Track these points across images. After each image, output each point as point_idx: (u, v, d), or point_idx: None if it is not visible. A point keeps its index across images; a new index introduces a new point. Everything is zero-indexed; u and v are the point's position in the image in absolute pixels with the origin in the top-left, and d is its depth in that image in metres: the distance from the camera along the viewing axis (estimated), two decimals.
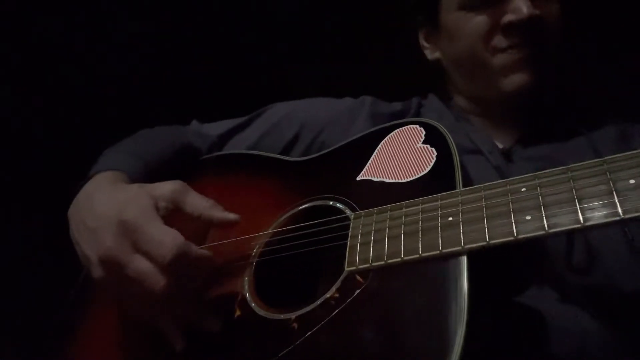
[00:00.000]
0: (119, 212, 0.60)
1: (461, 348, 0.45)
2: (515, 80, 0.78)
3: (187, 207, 0.63)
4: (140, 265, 0.58)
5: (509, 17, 0.76)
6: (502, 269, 0.56)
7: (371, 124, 0.83)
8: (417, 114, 0.90)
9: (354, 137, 0.74)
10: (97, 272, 0.61)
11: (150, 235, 0.58)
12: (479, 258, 0.50)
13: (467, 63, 0.83)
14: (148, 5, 1.32)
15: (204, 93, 1.35)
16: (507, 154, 0.80)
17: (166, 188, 0.63)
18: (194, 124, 0.95)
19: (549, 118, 0.83)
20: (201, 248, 0.62)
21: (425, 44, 0.93)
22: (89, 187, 0.72)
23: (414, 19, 0.93)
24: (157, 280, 0.57)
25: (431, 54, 0.92)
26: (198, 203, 0.63)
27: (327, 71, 1.34)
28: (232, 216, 0.63)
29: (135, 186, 0.66)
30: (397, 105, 0.92)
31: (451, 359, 0.45)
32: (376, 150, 0.69)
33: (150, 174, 0.75)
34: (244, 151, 0.88)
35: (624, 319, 0.64)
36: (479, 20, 0.78)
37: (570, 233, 0.65)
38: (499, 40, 0.78)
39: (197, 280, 0.61)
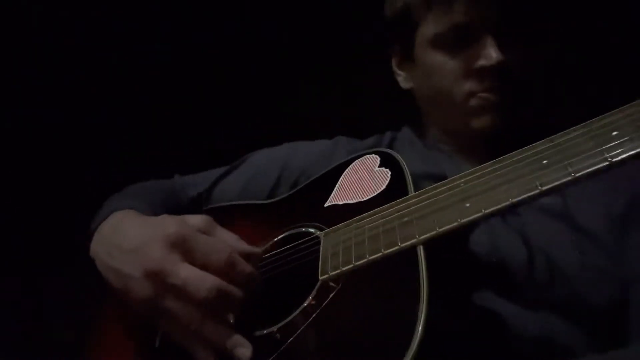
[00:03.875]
0: (161, 228, 0.63)
1: (421, 334, 0.49)
2: (484, 121, 0.82)
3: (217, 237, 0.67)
4: (186, 271, 0.60)
5: (480, 62, 0.80)
6: (459, 261, 0.63)
7: None
8: (390, 146, 0.95)
9: (320, 174, 0.82)
10: (141, 289, 0.62)
11: (205, 242, 0.62)
12: (436, 253, 0.57)
13: (440, 101, 0.87)
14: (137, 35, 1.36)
15: (181, 145, 1.40)
16: None
17: (198, 217, 0.67)
18: (177, 178, 1.00)
19: (517, 145, 0.89)
20: None
21: (398, 71, 0.96)
22: (112, 221, 0.74)
23: (389, 45, 0.96)
24: (204, 282, 0.59)
25: (404, 82, 0.96)
26: (227, 236, 0.67)
27: (302, 110, 1.39)
28: (257, 250, 0.68)
29: (164, 215, 0.68)
30: (370, 141, 0.98)
31: (413, 343, 0.49)
32: (339, 180, 0.77)
33: None
34: (222, 204, 0.94)
35: (593, 325, 0.68)
36: (453, 66, 0.82)
37: (527, 246, 0.73)
38: (473, 84, 0.81)
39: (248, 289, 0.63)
